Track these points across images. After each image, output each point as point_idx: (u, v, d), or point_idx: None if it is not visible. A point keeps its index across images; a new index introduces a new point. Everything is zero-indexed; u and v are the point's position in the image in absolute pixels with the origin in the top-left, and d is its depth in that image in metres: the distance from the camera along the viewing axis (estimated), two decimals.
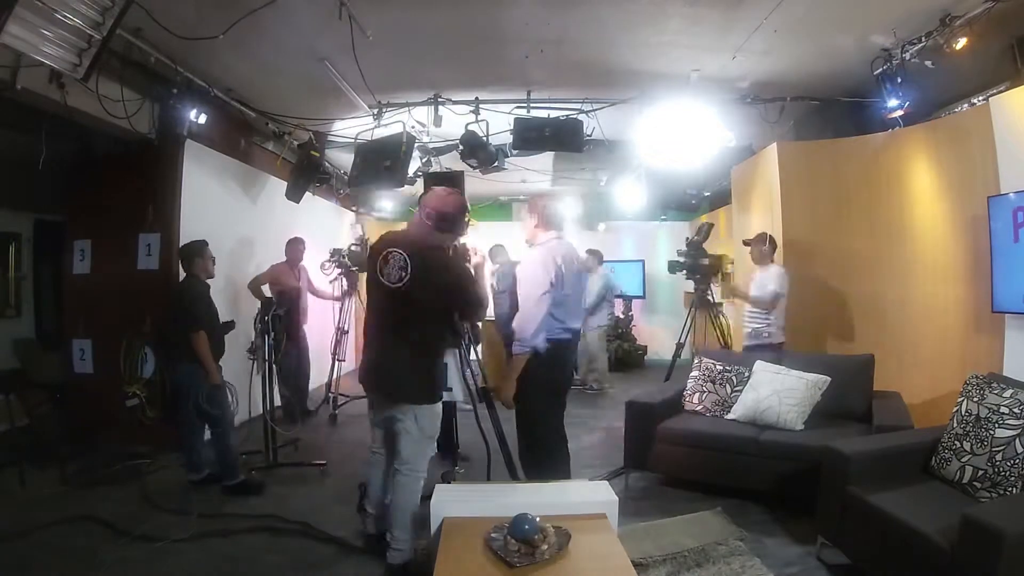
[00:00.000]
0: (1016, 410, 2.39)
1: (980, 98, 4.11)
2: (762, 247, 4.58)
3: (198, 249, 3.91)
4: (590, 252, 7.21)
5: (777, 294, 4.37)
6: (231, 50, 3.95)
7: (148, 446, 4.34)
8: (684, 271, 5.44)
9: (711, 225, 5.59)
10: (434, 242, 2.75)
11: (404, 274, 2.61)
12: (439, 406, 2.84)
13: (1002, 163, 3.52)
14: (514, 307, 3.10)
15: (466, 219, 2.91)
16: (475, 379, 3.52)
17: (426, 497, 3.36)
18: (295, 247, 5.76)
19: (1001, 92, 3.71)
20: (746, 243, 4.86)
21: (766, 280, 4.45)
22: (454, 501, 2.37)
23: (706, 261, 5.30)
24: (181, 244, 4.60)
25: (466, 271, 2.86)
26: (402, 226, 4.28)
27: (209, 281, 3.95)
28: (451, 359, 3.36)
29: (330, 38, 3.87)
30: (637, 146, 5.78)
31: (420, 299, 2.62)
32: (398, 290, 2.63)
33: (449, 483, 3.39)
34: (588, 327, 7.23)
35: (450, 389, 3.39)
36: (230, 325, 4.09)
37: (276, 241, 6.05)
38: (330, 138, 5.96)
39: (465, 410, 4.19)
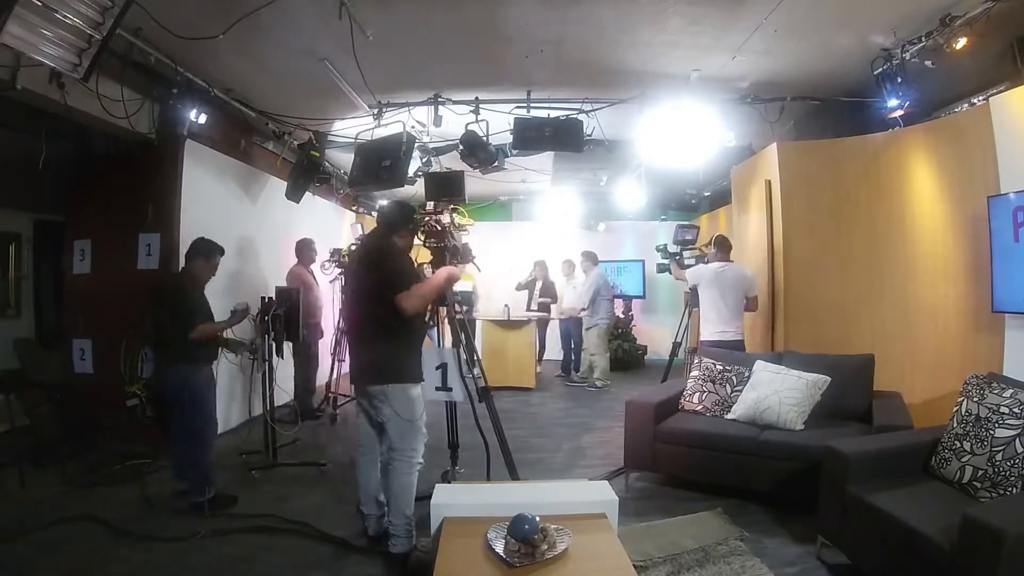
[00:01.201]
0: (1016, 410, 2.39)
1: (980, 98, 4.11)
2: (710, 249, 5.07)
3: (207, 251, 3.74)
4: (584, 254, 7.47)
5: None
6: (231, 50, 3.96)
7: (148, 446, 4.32)
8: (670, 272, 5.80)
9: (696, 227, 5.94)
10: (381, 241, 3.02)
11: (355, 267, 2.96)
12: (415, 390, 2.90)
13: (1002, 163, 3.51)
14: None
15: (413, 217, 3.18)
16: (475, 379, 3.50)
17: (425, 497, 3.36)
18: (309, 248, 5.82)
19: (1001, 92, 3.71)
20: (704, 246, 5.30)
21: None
22: (454, 501, 2.37)
23: (692, 261, 5.49)
24: (181, 244, 4.61)
25: (401, 265, 2.88)
26: None
27: (206, 279, 3.87)
28: (451, 359, 3.35)
29: (330, 38, 3.88)
30: (637, 146, 5.79)
31: (364, 290, 2.87)
32: (350, 283, 2.98)
33: (449, 483, 3.39)
34: (587, 324, 7.32)
35: (450, 389, 3.39)
36: (246, 311, 3.92)
37: (276, 241, 6.05)
38: (330, 138, 5.96)
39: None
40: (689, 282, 5.01)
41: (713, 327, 4.75)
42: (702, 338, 4.83)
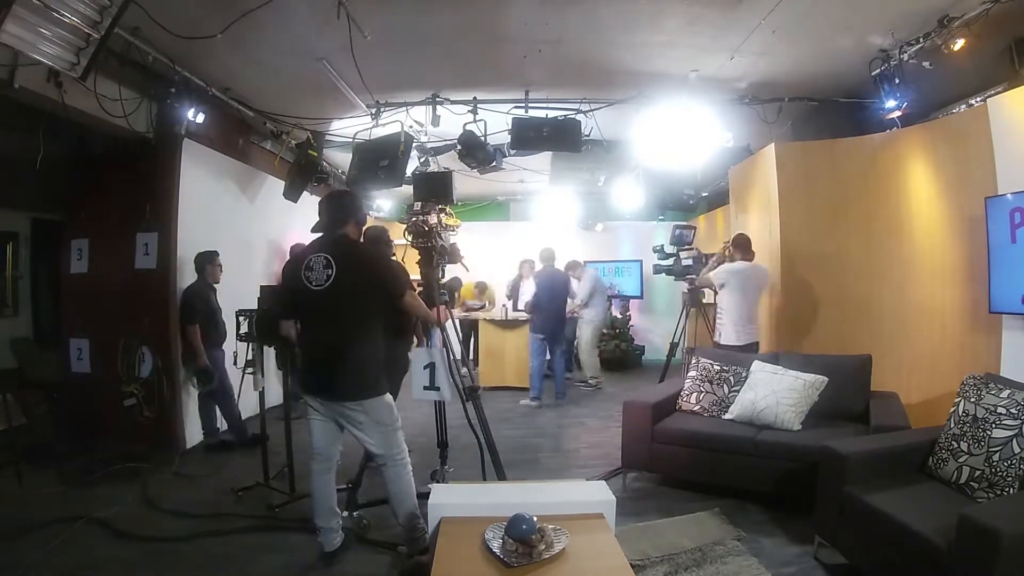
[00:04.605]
0: (1013, 410, 2.39)
1: (978, 99, 4.13)
2: (729, 247, 4.91)
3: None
4: (570, 264, 7.46)
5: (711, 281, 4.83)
6: (229, 49, 3.95)
7: (146, 446, 4.33)
8: (668, 274, 5.70)
9: (692, 228, 5.90)
10: (352, 240, 2.86)
11: (330, 272, 2.68)
12: (388, 397, 2.84)
13: (999, 164, 3.52)
14: None
15: (359, 205, 3.00)
16: (462, 379, 3.49)
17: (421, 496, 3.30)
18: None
19: (999, 93, 3.72)
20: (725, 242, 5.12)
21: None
22: (451, 501, 2.37)
23: (689, 262, 5.43)
24: (179, 243, 4.61)
25: (387, 262, 2.83)
26: (395, 226, 4.26)
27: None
28: (439, 359, 3.34)
29: (328, 38, 3.87)
30: (635, 146, 5.80)
31: (347, 295, 2.69)
32: (325, 291, 2.68)
33: (439, 482, 3.38)
34: (582, 322, 7.30)
35: (438, 388, 3.37)
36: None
37: (274, 240, 6.05)
38: (328, 137, 5.95)
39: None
40: (716, 283, 4.74)
41: (741, 328, 4.59)
42: (725, 341, 4.62)
